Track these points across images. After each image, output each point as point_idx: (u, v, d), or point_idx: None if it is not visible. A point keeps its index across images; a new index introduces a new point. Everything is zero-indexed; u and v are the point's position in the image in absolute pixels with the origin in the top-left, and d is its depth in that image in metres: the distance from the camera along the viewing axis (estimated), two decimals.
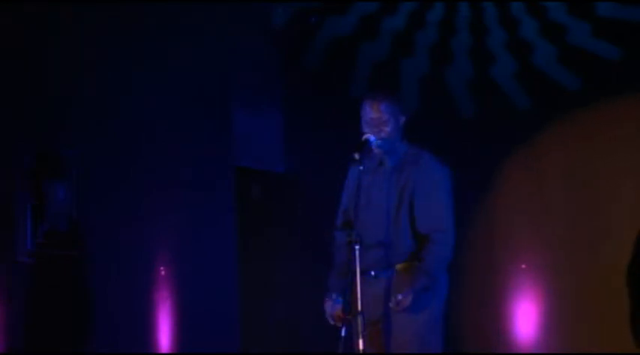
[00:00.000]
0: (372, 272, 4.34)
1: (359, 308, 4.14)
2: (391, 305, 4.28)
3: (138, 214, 6.26)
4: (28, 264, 5.59)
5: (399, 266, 4.35)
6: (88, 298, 5.90)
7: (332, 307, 4.41)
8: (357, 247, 4.16)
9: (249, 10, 7.22)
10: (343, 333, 4.20)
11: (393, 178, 4.37)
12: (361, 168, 4.29)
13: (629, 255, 6.36)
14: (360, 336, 4.13)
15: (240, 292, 6.94)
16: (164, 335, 6.38)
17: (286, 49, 7.44)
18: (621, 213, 6.47)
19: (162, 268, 6.43)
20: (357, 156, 4.28)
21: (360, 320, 4.13)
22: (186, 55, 6.64)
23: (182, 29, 6.66)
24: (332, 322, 4.41)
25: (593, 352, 6.29)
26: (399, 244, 4.36)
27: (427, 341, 4.34)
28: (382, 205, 4.36)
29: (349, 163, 4.54)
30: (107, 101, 6.11)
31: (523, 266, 6.74)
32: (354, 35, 7.23)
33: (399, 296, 4.26)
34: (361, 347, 4.13)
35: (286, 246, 7.26)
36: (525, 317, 6.71)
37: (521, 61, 6.88)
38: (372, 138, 4.35)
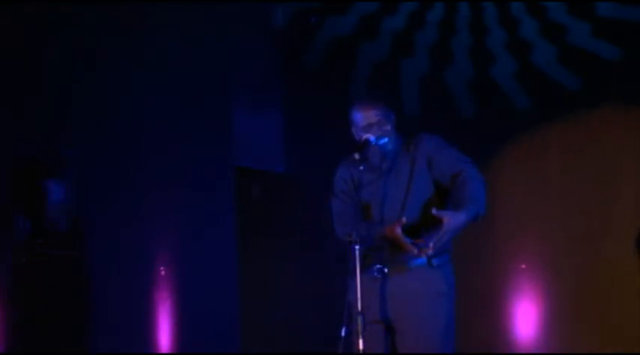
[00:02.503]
0: (386, 269, 4.32)
1: (359, 308, 4.14)
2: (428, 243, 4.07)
3: (138, 214, 6.26)
4: (28, 263, 5.59)
5: (414, 264, 4.32)
6: (88, 298, 5.90)
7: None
8: (357, 247, 4.15)
9: (249, 10, 7.22)
10: (343, 333, 4.20)
11: (400, 171, 4.37)
12: (361, 168, 4.29)
13: (631, 256, 6.37)
14: (360, 336, 4.13)
15: (240, 292, 6.94)
16: (164, 335, 6.38)
17: (286, 49, 7.44)
18: (622, 213, 6.48)
19: (162, 268, 6.43)
20: (357, 156, 4.28)
21: (360, 320, 4.13)
22: (186, 55, 6.64)
23: (182, 29, 6.66)
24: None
25: (593, 352, 6.30)
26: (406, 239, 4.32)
27: (440, 346, 4.32)
28: (393, 199, 4.34)
29: (342, 165, 4.54)
30: (107, 101, 6.11)
31: (523, 266, 6.74)
32: (354, 35, 7.24)
33: (445, 217, 4.01)
34: (361, 347, 4.13)
35: (286, 246, 7.26)
36: (525, 317, 6.71)
37: (521, 61, 6.88)
38: (372, 138, 4.36)
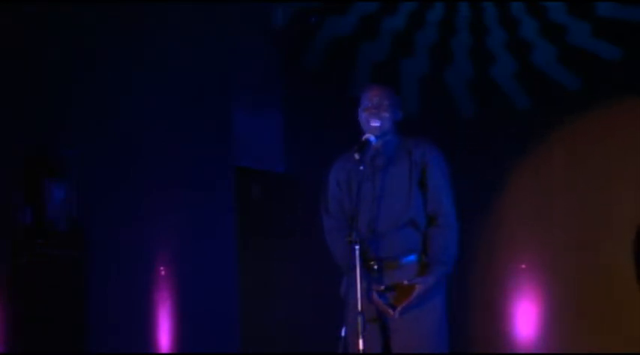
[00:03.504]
0: (375, 266, 4.33)
1: (359, 308, 4.14)
2: (397, 311, 4.26)
3: (138, 214, 6.26)
4: (28, 263, 5.59)
5: (403, 261, 4.33)
6: (88, 298, 5.90)
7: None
8: (357, 247, 4.15)
9: (249, 10, 7.22)
10: (343, 333, 4.20)
11: (399, 165, 4.38)
12: (361, 168, 4.29)
13: (631, 256, 6.37)
14: (360, 336, 4.13)
15: (240, 292, 6.94)
16: (164, 335, 6.38)
17: (286, 49, 7.44)
18: (622, 212, 6.48)
19: (162, 268, 6.43)
20: (357, 156, 4.28)
21: (360, 320, 4.13)
22: (186, 55, 6.64)
23: (182, 29, 6.66)
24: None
25: (593, 352, 6.30)
26: (399, 236, 4.33)
27: (434, 341, 4.32)
28: (385, 195, 4.35)
29: (336, 165, 4.55)
30: (107, 101, 6.11)
31: (523, 266, 6.74)
32: (354, 35, 7.24)
33: (416, 285, 4.24)
34: (361, 347, 4.13)
35: (286, 246, 7.26)
36: (525, 317, 6.72)
37: (521, 61, 6.89)
38: (372, 138, 4.37)
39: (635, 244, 6.37)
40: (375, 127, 4.39)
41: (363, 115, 4.44)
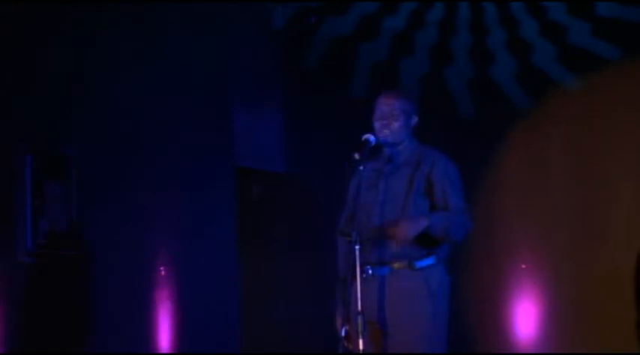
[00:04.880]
0: (370, 271, 4.31)
1: (359, 308, 4.14)
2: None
3: (138, 214, 6.26)
4: (28, 263, 5.58)
5: (396, 265, 4.32)
6: (88, 298, 5.90)
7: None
8: (357, 247, 4.15)
9: (249, 10, 7.22)
10: (343, 333, 4.20)
11: (403, 173, 4.36)
12: (361, 168, 4.29)
13: (631, 256, 6.36)
14: (360, 336, 4.13)
15: (240, 292, 6.94)
16: (164, 335, 6.38)
17: (286, 49, 7.45)
18: (621, 213, 6.48)
19: (162, 268, 6.43)
20: (357, 156, 4.27)
21: (360, 320, 4.13)
22: (186, 55, 6.64)
23: (182, 29, 6.66)
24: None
25: (593, 352, 6.30)
26: (391, 244, 4.31)
27: (431, 343, 4.30)
28: (386, 201, 4.34)
29: (354, 165, 4.52)
30: (107, 101, 6.11)
31: (523, 266, 6.74)
32: (354, 35, 7.24)
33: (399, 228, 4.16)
34: (361, 347, 4.13)
35: (286, 246, 7.27)
36: (525, 317, 6.72)
37: (521, 61, 6.89)
38: (371, 138, 4.36)
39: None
40: (386, 138, 4.37)
41: (374, 124, 4.41)
